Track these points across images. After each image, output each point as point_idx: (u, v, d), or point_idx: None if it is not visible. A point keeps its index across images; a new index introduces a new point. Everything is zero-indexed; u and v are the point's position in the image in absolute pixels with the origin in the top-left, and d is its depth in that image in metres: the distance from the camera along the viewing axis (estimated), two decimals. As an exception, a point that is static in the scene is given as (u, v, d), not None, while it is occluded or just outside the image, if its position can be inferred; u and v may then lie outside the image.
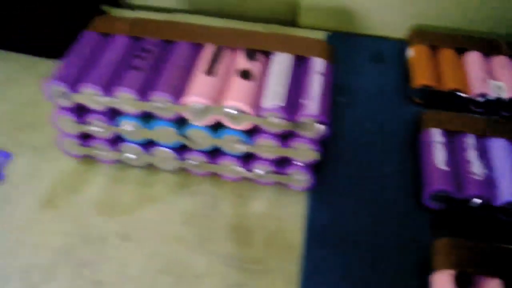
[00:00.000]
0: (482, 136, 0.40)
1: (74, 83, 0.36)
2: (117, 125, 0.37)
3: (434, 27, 0.54)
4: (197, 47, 0.39)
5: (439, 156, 0.38)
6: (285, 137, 0.36)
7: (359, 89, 0.48)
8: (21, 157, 0.41)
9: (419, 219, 0.37)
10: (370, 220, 0.37)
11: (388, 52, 0.52)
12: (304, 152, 0.36)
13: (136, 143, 0.38)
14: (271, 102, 0.34)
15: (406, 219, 0.37)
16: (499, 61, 0.48)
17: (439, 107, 0.45)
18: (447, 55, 0.48)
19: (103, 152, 0.39)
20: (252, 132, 0.36)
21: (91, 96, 0.36)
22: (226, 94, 0.35)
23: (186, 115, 0.35)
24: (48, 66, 0.49)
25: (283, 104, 0.34)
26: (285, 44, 0.39)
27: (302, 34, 0.54)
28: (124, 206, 0.38)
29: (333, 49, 0.40)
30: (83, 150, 0.40)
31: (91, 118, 0.37)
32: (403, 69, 0.50)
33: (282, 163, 0.38)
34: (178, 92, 0.35)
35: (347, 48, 0.53)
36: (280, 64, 0.38)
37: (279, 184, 0.39)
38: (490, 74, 0.47)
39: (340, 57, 0.51)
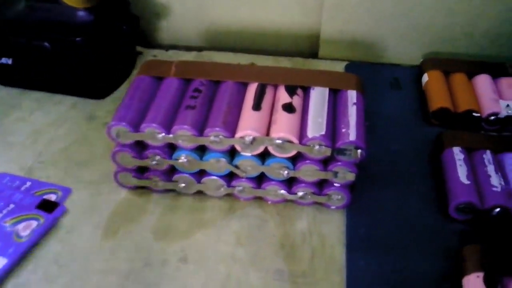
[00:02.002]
0: (496, 152, 0.45)
1: (135, 123, 0.40)
2: (173, 159, 0.42)
3: (444, 54, 0.59)
4: (242, 85, 0.44)
5: (461, 172, 0.42)
6: (325, 162, 0.40)
7: (380, 114, 0.52)
8: (78, 191, 0.45)
9: (446, 229, 0.41)
10: (401, 232, 0.41)
11: (404, 78, 0.57)
12: (342, 175, 0.40)
13: (188, 173, 0.43)
14: (314, 132, 0.39)
15: (434, 230, 0.41)
16: (507, 82, 0.52)
17: (454, 127, 0.50)
18: (459, 79, 0.53)
19: (158, 182, 0.43)
20: (295, 159, 0.40)
21: (152, 134, 0.40)
22: (273, 127, 0.40)
23: (238, 147, 0.40)
24: (92, 106, 0.54)
25: (324, 133, 0.39)
26: (321, 79, 0.44)
27: (323, 65, 0.60)
28: (180, 231, 0.42)
29: (362, 81, 0.45)
30: (138, 182, 0.44)
31: (149, 153, 0.42)
32: (419, 94, 0.54)
33: (321, 185, 0.42)
34: (230, 126, 0.40)
35: (365, 76, 0.57)
36: (319, 97, 0.42)
37: (318, 204, 0.43)
38: (499, 94, 0.51)
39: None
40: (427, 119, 0.51)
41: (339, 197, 0.42)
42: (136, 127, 0.41)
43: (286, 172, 0.41)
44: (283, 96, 0.42)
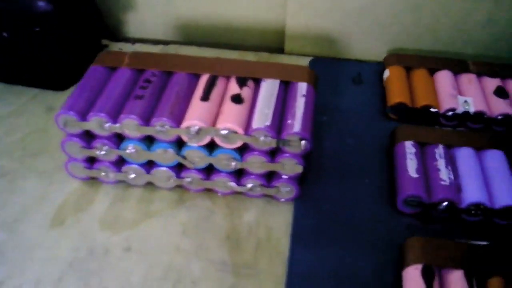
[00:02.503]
0: (450, 146, 0.44)
1: (83, 113, 0.40)
2: (121, 149, 0.41)
3: (409, 50, 0.58)
4: (194, 77, 0.44)
5: (411, 166, 0.42)
6: (272, 153, 0.40)
7: (341, 108, 0.52)
8: (31, 181, 0.45)
9: (394, 222, 0.41)
10: (350, 224, 0.41)
11: (367, 74, 0.57)
12: (289, 166, 0.40)
13: (137, 164, 0.42)
14: (259, 123, 0.39)
15: (383, 223, 0.41)
16: (467, 77, 0.52)
17: (413, 121, 0.50)
18: (420, 74, 0.53)
19: (107, 173, 0.43)
20: (243, 150, 0.40)
21: (99, 123, 0.40)
22: (220, 117, 0.40)
23: (184, 137, 0.40)
24: (53, 97, 0.54)
25: (268, 124, 0.38)
26: (272, 71, 0.44)
27: (288, 60, 0.60)
28: (127, 222, 0.42)
29: (315, 74, 0.45)
30: (89, 173, 0.44)
31: (97, 143, 0.41)
32: (381, 89, 0.54)
33: (269, 177, 0.42)
34: (176, 117, 0.39)
35: (329, 72, 0.57)
36: (268, 89, 0.42)
37: (267, 196, 0.43)
38: (459, 90, 0.51)
39: (323, 80, 0.56)
40: (386, 114, 0.51)
41: (288, 189, 0.42)
42: (83, 116, 0.40)
43: (233, 163, 0.40)
44: (233, 88, 0.42)
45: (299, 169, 0.40)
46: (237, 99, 0.41)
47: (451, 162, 0.43)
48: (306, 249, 0.39)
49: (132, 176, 0.43)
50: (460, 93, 0.51)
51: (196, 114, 0.40)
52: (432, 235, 0.40)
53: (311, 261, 0.38)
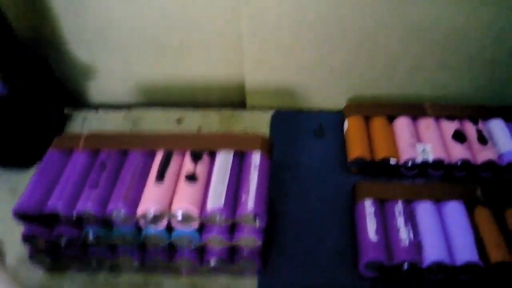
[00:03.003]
0: (409, 201, 0.45)
1: (39, 205, 0.40)
2: (82, 235, 0.41)
3: (368, 96, 0.59)
4: (149, 154, 0.44)
5: (371, 227, 0.42)
6: (231, 229, 0.40)
7: (304, 163, 0.53)
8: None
9: (358, 286, 0.41)
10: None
11: (328, 124, 0.57)
12: (248, 242, 0.40)
13: (100, 249, 0.42)
14: (214, 203, 0.39)
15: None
16: (425, 123, 0.53)
17: (375, 174, 0.50)
18: (379, 123, 0.53)
19: (72, 261, 0.43)
20: (201, 229, 0.40)
21: (56, 215, 0.40)
22: (175, 198, 0.40)
23: (141, 223, 0.40)
24: (17, 176, 0.54)
25: (222, 204, 0.39)
26: (226, 142, 0.44)
27: (250, 115, 0.60)
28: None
29: (269, 140, 0.45)
30: (53, 262, 0.44)
31: (58, 231, 0.41)
32: (342, 141, 0.55)
33: (231, 252, 0.42)
34: (131, 203, 0.40)
35: (291, 125, 0.58)
36: (222, 162, 0.42)
37: (230, 271, 0.43)
38: (418, 136, 0.52)
39: (286, 134, 0.57)
40: (347, 167, 0.51)
41: (249, 264, 0.42)
42: (40, 209, 0.40)
43: (193, 243, 0.41)
44: (188, 164, 0.42)
45: (258, 243, 0.40)
46: (191, 177, 0.41)
47: (411, 219, 0.43)
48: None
49: (95, 261, 0.43)
50: (419, 139, 0.51)
51: (151, 198, 0.40)
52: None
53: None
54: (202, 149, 0.44)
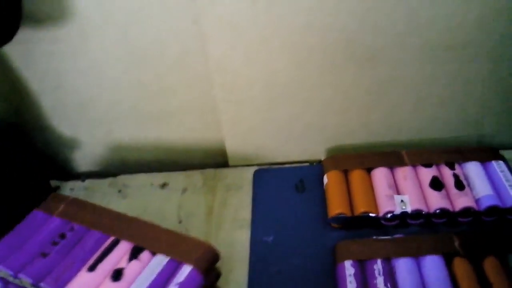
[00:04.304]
0: (389, 258, 0.45)
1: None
2: None
3: (346, 146, 0.60)
4: (104, 238, 0.45)
5: (350, 290, 0.43)
6: None
7: (286, 224, 0.53)
8: None
9: None
10: None
11: (309, 178, 0.58)
12: None
13: None
14: None
15: None
16: (402, 172, 0.54)
17: (356, 228, 0.51)
18: (357, 176, 0.54)
19: None
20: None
21: (6, 275, 0.43)
22: None
23: None
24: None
25: None
26: (169, 245, 0.43)
27: (233, 172, 0.62)
28: None
29: (214, 252, 0.43)
30: None
31: None
32: (323, 194, 0.55)
33: None
34: (60, 284, 0.41)
35: (273, 181, 0.59)
36: (151, 268, 0.42)
37: None
38: (396, 187, 0.52)
39: (267, 190, 0.58)
40: (329, 224, 0.52)
41: None
42: None
43: None
44: (123, 259, 0.43)
45: None
46: (115, 276, 0.42)
47: (391, 277, 0.44)
48: None
49: None
50: (397, 190, 0.52)
51: (76, 286, 0.41)
52: None
53: None
54: (145, 246, 0.44)
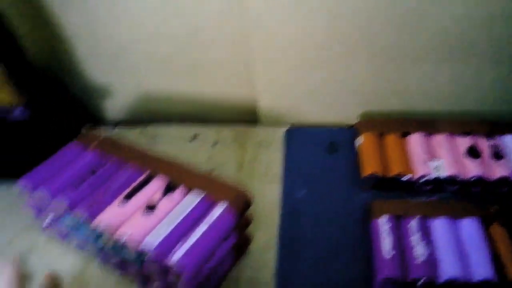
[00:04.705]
0: (425, 218, 0.45)
1: (34, 186, 0.44)
2: (61, 222, 0.45)
3: (380, 112, 0.60)
4: (138, 173, 0.45)
5: (386, 244, 0.43)
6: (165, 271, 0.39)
7: (316, 180, 0.53)
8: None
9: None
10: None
11: (341, 140, 0.58)
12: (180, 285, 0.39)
13: (76, 238, 0.46)
14: (150, 240, 0.38)
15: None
16: (438, 139, 0.53)
17: (388, 190, 0.50)
18: (392, 140, 0.54)
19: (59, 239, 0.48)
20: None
21: (42, 198, 0.44)
22: (126, 223, 0.40)
23: (97, 231, 0.41)
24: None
25: (155, 245, 0.38)
26: (203, 185, 0.43)
27: (263, 131, 0.61)
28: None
29: (245, 196, 0.43)
30: (48, 232, 0.49)
31: (45, 212, 0.46)
32: (354, 156, 0.55)
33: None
34: (94, 211, 0.42)
35: (305, 141, 0.58)
36: (186, 203, 0.42)
37: None
38: (431, 153, 0.52)
39: (298, 149, 0.57)
40: (361, 183, 0.52)
41: None
42: (34, 189, 0.44)
43: (136, 267, 0.41)
44: (157, 193, 0.43)
45: None
46: (149, 208, 0.42)
47: (427, 235, 0.44)
48: None
49: (74, 246, 0.47)
50: (432, 156, 0.52)
51: (107, 215, 0.41)
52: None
53: None
54: (180, 183, 0.44)
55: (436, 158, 0.51)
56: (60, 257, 0.48)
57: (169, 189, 0.43)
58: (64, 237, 0.47)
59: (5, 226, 0.52)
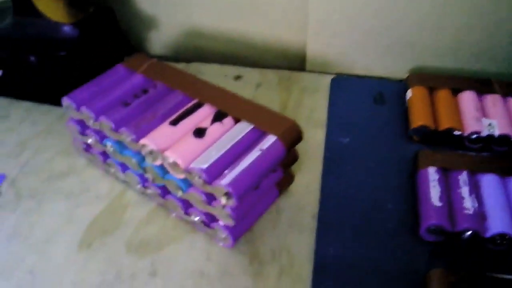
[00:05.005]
0: (474, 173, 0.44)
1: (80, 104, 0.44)
2: (103, 143, 0.44)
3: (431, 68, 0.58)
4: (187, 99, 0.44)
5: (434, 193, 0.42)
6: (212, 196, 0.39)
7: (363, 129, 0.52)
8: (57, 203, 0.46)
9: (418, 251, 0.41)
10: (372, 252, 0.41)
11: (389, 93, 0.57)
12: (222, 215, 0.39)
13: (116, 162, 0.45)
14: (199, 163, 0.38)
15: (406, 251, 0.41)
16: (492, 99, 0.52)
17: (437, 144, 0.49)
18: (443, 95, 0.52)
19: (97, 161, 0.47)
20: (189, 183, 0.40)
21: (87, 116, 0.44)
22: (174, 146, 0.40)
23: (142, 152, 0.41)
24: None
25: (205, 168, 0.37)
26: (253, 115, 0.42)
27: (308, 77, 0.60)
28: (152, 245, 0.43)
29: (298, 129, 0.42)
30: (88, 156, 0.48)
31: (87, 132, 0.45)
32: (403, 110, 0.54)
33: (211, 217, 0.41)
34: (140, 132, 0.41)
35: (351, 90, 0.57)
36: (236, 131, 0.41)
37: (207, 233, 0.42)
38: (483, 111, 0.51)
39: (344, 98, 0.56)
40: (409, 137, 0.51)
41: (223, 236, 0.41)
42: (79, 106, 0.44)
43: (179, 192, 0.41)
44: (206, 120, 0.42)
45: (230, 221, 0.39)
46: (198, 132, 0.41)
47: (476, 189, 0.43)
48: (329, 278, 0.39)
49: (113, 170, 0.46)
50: (485, 115, 0.50)
51: (155, 136, 0.41)
52: (455, 264, 0.40)
53: None
54: (230, 111, 0.43)
55: (489, 117, 0.50)
56: (98, 180, 0.48)
57: (218, 116, 0.43)
58: (104, 160, 0.47)
59: (45, 146, 0.52)
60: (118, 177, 0.47)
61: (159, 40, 0.65)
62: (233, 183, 0.37)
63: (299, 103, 0.56)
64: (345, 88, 0.58)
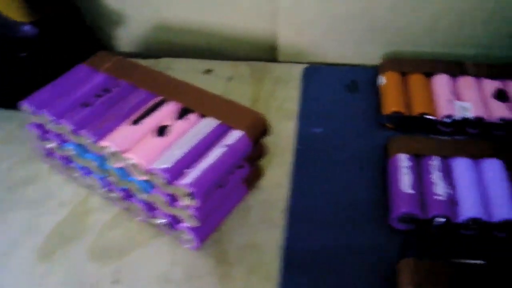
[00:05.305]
0: (446, 157, 0.43)
1: (38, 107, 0.42)
2: (64, 148, 0.43)
3: (406, 53, 0.57)
4: (150, 97, 0.43)
5: (405, 180, 0.41)
6: (174, 197, 0.37)
7: (336, 118, 0.51)
8: (18, 212, 0.44)
9: (389, 240, 0.40)
10: (344, 245, 0.40)
11: (362, 80, 0.55)
12: (186, 216, 0.37)
13: (79, 166, 0.44)
14: (161, 163, 0.36)
15: (377, 242, 0.40)
16: (465, 81, 0.50)
17: (410, 130, 0.48)
18: (416, 80, 0.51)
19: (59, 166, 0.46)
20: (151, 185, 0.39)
21: (46, 119, 0.42)
22: (135, 146, 0.39)
23: (104, 155, 0.40)
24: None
25: (167, 168, 0.36)
26: (219, 110, 0.41)
27: (281, 68, 0.59)
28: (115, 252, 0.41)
29: (263, 121, 0.41)
30: (50, 162, 0.47)
31: (48, 137, 0.44)
32: (376, 96, 0.53)
33: (175, 219, 0.39)
34: (101, 134, 0.39)
35: (324, 79, 0.56)
36: (200, 128, 0.40)
37: (172, 235, 0.41)
38: (457, 95, 0.49)
39: (316, 87, 0.55)
40: (382, 123, 0.50)
41: (189, 238, 0.39)
42: (38, 110, 0.42)
43: (143, 194, 0.39)
44: (170, 117, 0.41)
45: (195, 222, 0.37)
46: (161, 131, 0.40)
47: (448, 174, 0.42)
48: (300, 272, 0.38)
49: (76, 175, 0.45)
50: (458, 97, 0.49)
51: (116, 137, 0.39)
52: (428, 252, 0.38)
53: (306, 285, 0.37)
54: (195, 107, 0.41)
55: (463, 100, 0.49)
56: (61, 186, 0.46)
57: (183, 113, 0.41)
58: (67, 165, 0.45)
59: (6, 154, 0.50)
60: (82, 182, 0.45)
61: (128, 36, 0.63)
62: (195, 182, 0.35)
63: (271, 94, 0.55)
64: (318, 77, 0.56)
